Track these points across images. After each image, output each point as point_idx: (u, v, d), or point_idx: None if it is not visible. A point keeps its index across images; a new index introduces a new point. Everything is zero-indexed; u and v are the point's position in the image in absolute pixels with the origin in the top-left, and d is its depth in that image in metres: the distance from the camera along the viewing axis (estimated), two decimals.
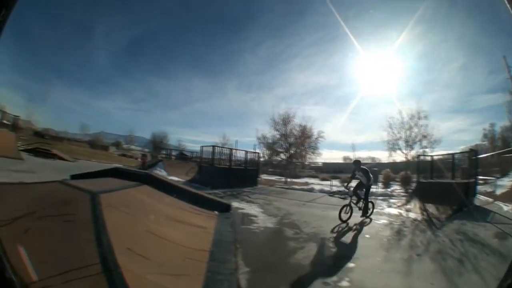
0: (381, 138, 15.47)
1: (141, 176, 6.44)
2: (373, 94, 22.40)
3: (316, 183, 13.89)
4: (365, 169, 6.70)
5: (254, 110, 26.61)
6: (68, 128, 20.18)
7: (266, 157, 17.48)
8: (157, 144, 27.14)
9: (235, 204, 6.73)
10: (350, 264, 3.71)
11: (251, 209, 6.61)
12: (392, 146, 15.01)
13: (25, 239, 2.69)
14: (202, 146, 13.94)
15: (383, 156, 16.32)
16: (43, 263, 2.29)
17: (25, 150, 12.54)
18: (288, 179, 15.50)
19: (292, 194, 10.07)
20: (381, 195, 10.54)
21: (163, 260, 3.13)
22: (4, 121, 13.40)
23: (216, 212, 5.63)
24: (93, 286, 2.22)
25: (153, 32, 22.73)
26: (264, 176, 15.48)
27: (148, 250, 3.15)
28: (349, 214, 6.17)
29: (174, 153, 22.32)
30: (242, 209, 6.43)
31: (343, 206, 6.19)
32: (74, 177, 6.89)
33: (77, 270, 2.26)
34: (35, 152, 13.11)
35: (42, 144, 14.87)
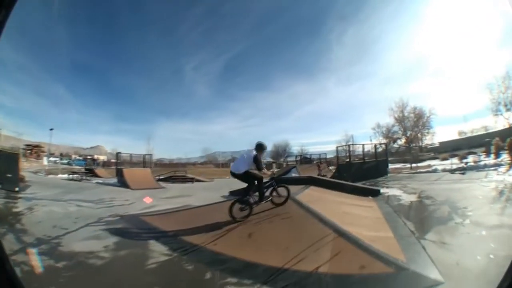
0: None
1: (305, 180, 8.05)
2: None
3: (438, 164, 14.72)
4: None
5: (361, 100, 23.84)
6: (181, 155, 23.06)
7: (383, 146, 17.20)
8: (280, 153, 27.81)
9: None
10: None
11: (394, 191, 8.19)
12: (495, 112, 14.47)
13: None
14: (338, 146, 15.74)
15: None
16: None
17: (161, 180, 13.70)
18: (413, 164, 15.73)
19: (419, 177, 11.93)
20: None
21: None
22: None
23: (370, 197, 7.01)
24: None
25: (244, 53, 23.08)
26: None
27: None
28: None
29: (297, 158, 23.03)
30: (387, 192, 7.99)
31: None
32: (232, 193, 8.17)
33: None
34: (172, 179, 14.38)
35: (175, 172, 16.33)
